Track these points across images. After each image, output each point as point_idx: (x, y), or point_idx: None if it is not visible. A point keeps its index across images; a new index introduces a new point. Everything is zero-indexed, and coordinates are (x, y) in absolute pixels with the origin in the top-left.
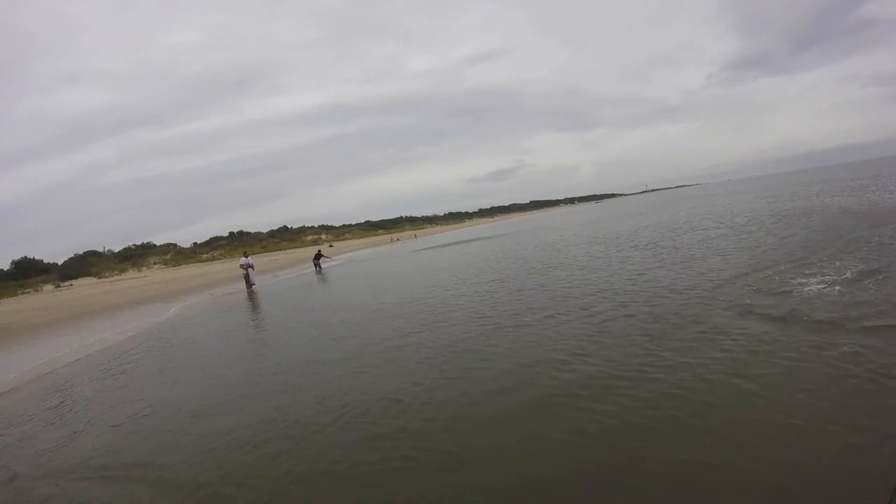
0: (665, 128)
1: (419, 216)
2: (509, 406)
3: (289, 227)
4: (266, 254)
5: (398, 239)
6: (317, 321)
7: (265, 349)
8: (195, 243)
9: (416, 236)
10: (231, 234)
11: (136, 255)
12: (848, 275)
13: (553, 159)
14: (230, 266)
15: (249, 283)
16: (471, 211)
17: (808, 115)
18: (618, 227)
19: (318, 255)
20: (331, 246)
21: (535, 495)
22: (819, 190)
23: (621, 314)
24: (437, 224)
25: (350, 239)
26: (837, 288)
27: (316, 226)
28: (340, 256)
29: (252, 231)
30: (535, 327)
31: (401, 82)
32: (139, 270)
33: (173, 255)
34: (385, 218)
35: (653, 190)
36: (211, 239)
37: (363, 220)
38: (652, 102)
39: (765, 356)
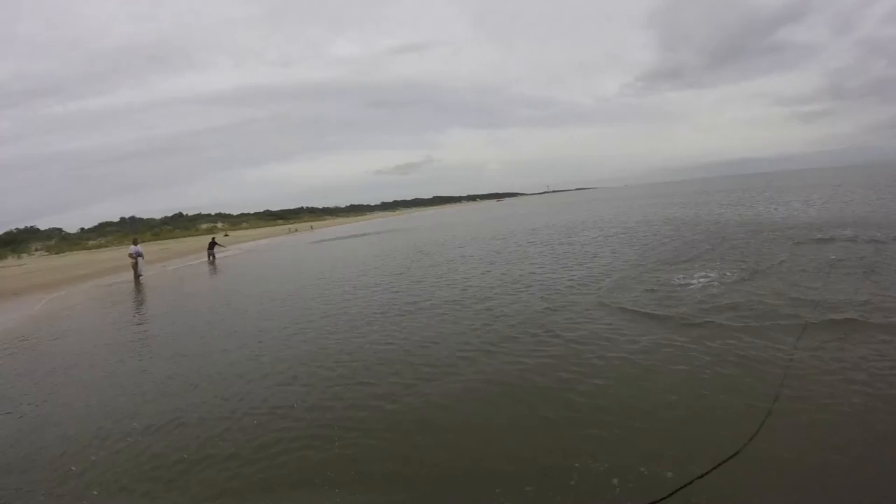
0: (575, 131)
1: (320, 207)
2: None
3: (184, 214)
4: (157, 242)
5: (296, 230)
6: (201, 314)
7: (143, 346)
8: (82, 229)
9: (311, 228)
10: (122, 219)
11: (17, 241)
12: (726, 275)
13: (461, 156)
14: (119, 254)
15: (137, 274)
16: (373, 204)
17: (713, 129)
18: (517, 224)
19: (213, 244)
20: (226, 235)
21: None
22: (711, 199)
23: (516, 305)
24: (337, 216)
25: (247, 229)
26: (715, 285)
27: (213, 214)
28: (237, 247)
29: (145, 217)
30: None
31: (322, 69)
32: (18, 258)
33: (58, 241)
34: (286, 208)
35: (554, 191)
36: (100, 224)
37: (263, 210)
38: (566, 106)
39: (648, 343)
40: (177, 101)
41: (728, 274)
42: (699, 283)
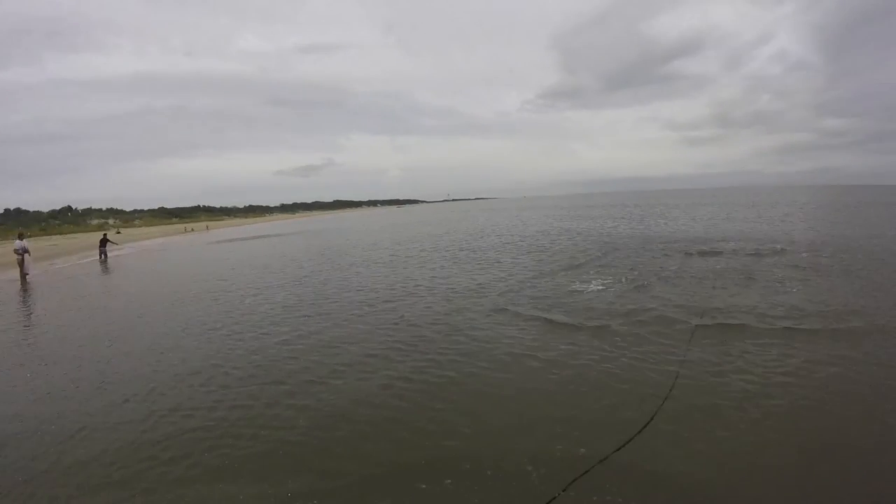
0: (476, 142)
1: (217, 207)
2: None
3: (74, 208)
4: (45, 237)
5: (192, 230)
6: (97, 316)
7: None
8: None
9: (207, 228)
10: (7, 210)
11: None
12: (620, 283)
13: (363, 160)
14: (3, 250)
15: (24, 272)
16: (272, 206)
17: (608, 147)
18: (419, 231)
19: (104, 241)
20: (118, 233)
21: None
22: (605, 213)
23: (421, 307)
24: (235, 217)
25: (140, 226)
26: (611, 291)
27: (104, 209)
28: (131, 245)
29: (31, 210)
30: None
31: (227, 62)
32: None
33: None
34: (182, 206)
35: (454, 199)
36: None
37: (157, 207)
38: (468, 117)
39: (551, 343)
40: (72, 84)
41: (623, 281)
42: (596, 288)
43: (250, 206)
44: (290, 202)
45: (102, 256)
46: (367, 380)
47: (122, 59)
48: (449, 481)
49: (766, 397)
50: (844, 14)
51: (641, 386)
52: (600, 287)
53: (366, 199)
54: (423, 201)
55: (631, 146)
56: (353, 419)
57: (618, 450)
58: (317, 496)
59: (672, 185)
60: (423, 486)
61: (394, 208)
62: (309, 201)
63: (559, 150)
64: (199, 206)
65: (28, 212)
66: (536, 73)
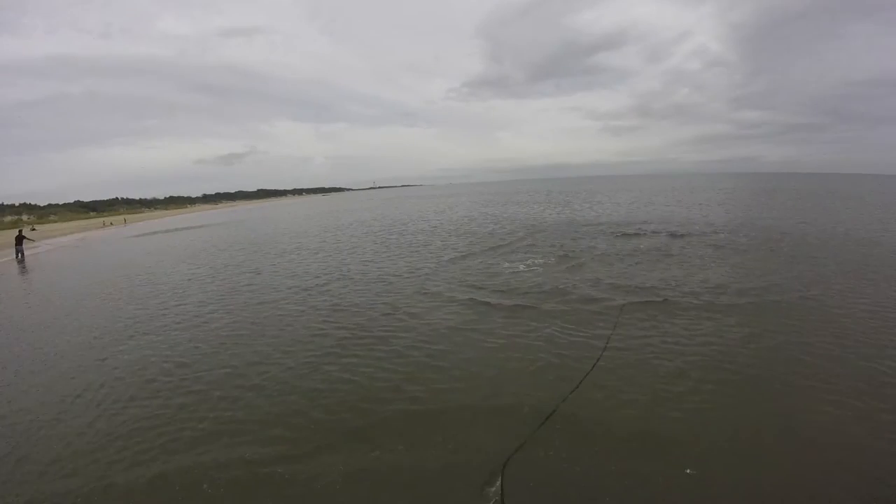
0: (401, 130)
1: (137, 199)
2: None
3: None
4: None
5: (112, 224)
6: (21, 316)
7: None
8: None
9: (125, 221)
10: None
11: None
12: (549, 262)
13: (288, 148)
14: None
15: None
16: (194, 196)
17: (532, 136)
18: (347, 218)
19: (20, 239)
20: (33, 230)
21: None
22: (531, 198)
23: (358, 290)
24: (155, 209)
25: (56, 222)
26: (540, 271)
27: (17, 204)
28: (48, 242)
29: None
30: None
31: (145, 44)
32: None
33: None
34: (98, 199)
35: (380, 187)
36: None
37: (73, 201)
38: (394, 105)
39: (485, 319)
40: None
41: (552, 261)
42: (525, 268)
43: (171, 197)
44: (213, 192)
45: (19, 255)
46: (316, 357)
47: (33, 40)
48: (401, 446)
49: (688, 355)
50: (761, 15)
51: (576, 349)
52: (530, 267)
53: (291, 187)
54: (349, 189)
55: (555, 135)
56: (305, 393)
57: (563, 401)
58: (278, 461)
59: (594, 171)
60: (377, 448)
61: (319, 196)
62: (232, 191)
63: (484, 138)
64: (117, 198)
65: None
66: (462, 61)
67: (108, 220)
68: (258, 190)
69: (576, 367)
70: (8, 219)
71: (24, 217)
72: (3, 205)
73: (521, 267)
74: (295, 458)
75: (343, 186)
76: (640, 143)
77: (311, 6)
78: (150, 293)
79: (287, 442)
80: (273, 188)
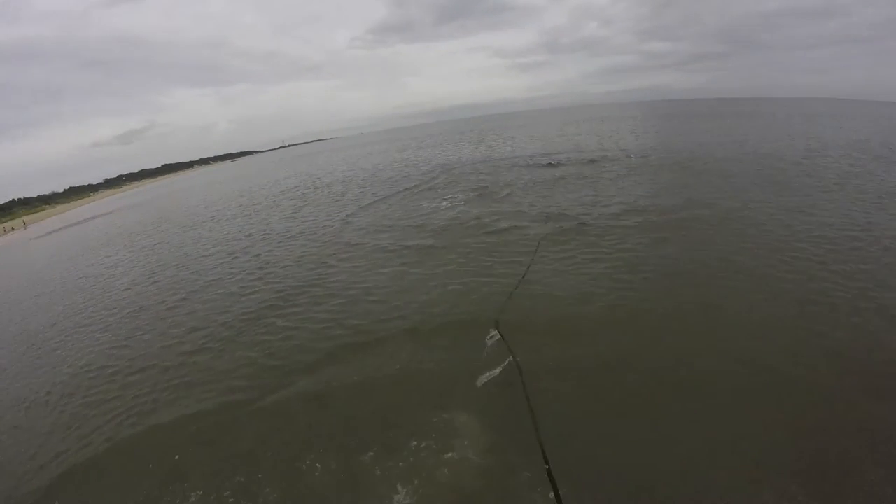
0: (307, 84)
1: (35, 196)
2: None
3: None
4: None
5: (12, 229)
6: None
7: None
8: None
9: (24, 224)
10: None
11: None
12: (470, 198)
13: (188, 118)
14: None
15: None
16: (95, 182)
17: (440, 78)
18: (260, 181)
19: None
20: None
21: None
22: (444, 140)
23: (284, 248)
24: (56, 203)
25: None
26: (459, 206)
27: None
28: None
29: None
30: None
31: (22, 26)
32: None
33: None
34: None
35: (290, 145)
36: None
37: None
38: (296, 59)
39: (421, 253)
40: None
41: (472, 196)
42: (447, 204)
43: (71, 187)
44: (115, 175)
45: None
46: (254, 313)
47: None
48: (354, 375)
49: (607, 261)
50: None
51: (505, 269)
52: (451, 203)
53: (196, 158)
54: (257, 151)
55: (464, 76)
56: (251, 345)
57: (508, 299)
58: (242, 406)
59: (505, 109)
60: (331, 378)
61: (228, 163)
62: (135, 170)
63: (393, 84)
64: (13, 199)
65: None
66: (365, 8)
67: (6, 225)
68: (163, 165)
69: (507, 282)
70: None
71: None
72: None
73: (444, 204)
74: (257, 399)
75: (252, 149)
76: (550, 78)
77: None
78: (75, 288)
79: (246, 390)
80: (179, 161)
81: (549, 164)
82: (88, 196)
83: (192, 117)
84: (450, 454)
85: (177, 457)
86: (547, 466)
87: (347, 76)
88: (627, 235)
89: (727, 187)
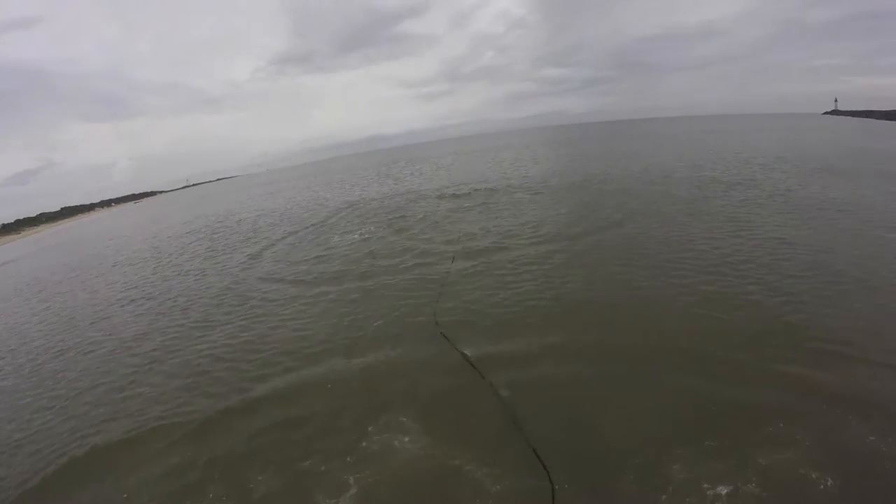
0: (208, 119)
1: None
2: None
3: None
4: None
5: None
6: None
7: None
8: None
9: None
10: None
11: None
12: (380, 231)
13: (86, 155)
14: None
15: None
16: None
17: (345, 110)
18: (166, 223)
19: None
20: None
21: None
22: (350, 177)
23: (202, 286)
24: None
25: None
26: (372, 239)
27: None
28: None
29: None
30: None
31: None
32: None
33: None
34: None
35: (195, 184)
36: None
37: None
38: (197, 91)
39: (333, 284)
40: None
41: (383, 229)
42: (359, 237)
43: None
44: (11, 219)
45: None
46: (189, 349)
47: None
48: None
49: (515, 268)
50: None
51: (427, 282)
52: (362, 235)
53: (98, 199)
54: (161, 191)
55: (369, 106)
56: (189, 385)
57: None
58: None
59: (412, 139)
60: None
61: (130, 205)
62: (33, 214)
63: (297, 117)
64: None
65: None
66: (266, 39)
67: None
68: (62, 209)
69: (428, 294)
70: None
71: None
72: None
73: (356, 237)
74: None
75: (155, 189)
76: (454, 107)
77: None
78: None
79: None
80: (79, 203)
81: (453, 194)
82: None
83: (89, 155)
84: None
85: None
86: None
87: (250, 109)
88: (534, 251)
89: (621, 204)
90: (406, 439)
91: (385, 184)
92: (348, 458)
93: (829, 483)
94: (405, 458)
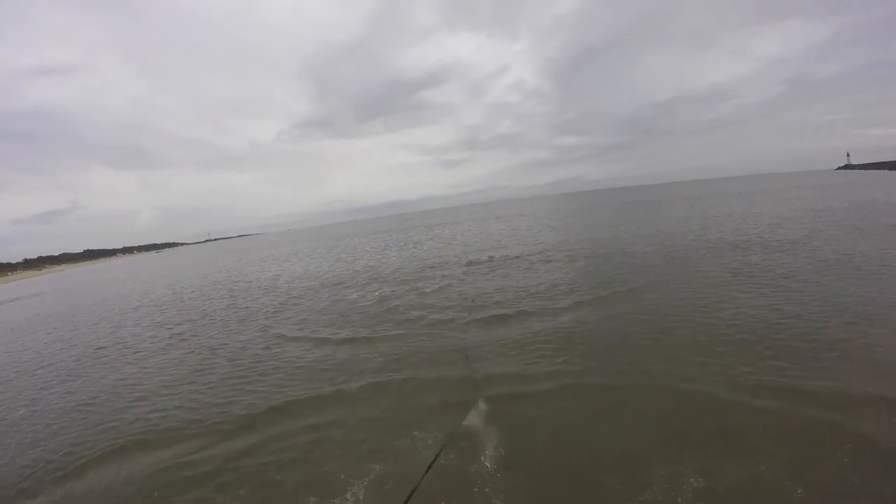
0: (232, 176)
1: None
2: None
3: None
4: None
5: None
6: None
7: None
8: None
9: None
10: None
11: None
12: (395, 290)
13: (111, 200)
14: None
15: None
16: (14, 262)
17: (365, 174)
18: (190, 273)
19: None
20: None
21: None
22: (373, 240)
23: (225, 336)
24: None
25: None
26: (390, 297)
27: None
28: None
29: None
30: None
31: None
32: None
33: None
34: None
35: (216, 239)
36: None
37: None
38: (222, 149)
39: (359, 344)
40: None
41: (396, 289)
42: (376, 296)
43: None
44: (35, 255)
45: None
46: (217, 407)
47: None
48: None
49: (535, 334)
50: (571, 49)
51: (450, 349)
52: (378, 295)
53: (120, 245)
54: (182, 243)
55: (389, 172)
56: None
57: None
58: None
59: (431, 205)
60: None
61: (152, 254)
62: (56, 253)
63: (319, 179)
64: None
65: None
66: (290, 102)
67: None
68: (85, 251)
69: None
70: None
71: None
72: None
73: (375, 294)
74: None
75: (176, 241)
76: (472, 174)
77: (127, 43)
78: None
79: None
80: (101, 248)
81: (475, 261)
82: (7, 275)
83: (114, 200)
84: None
85: None
86: None
87: (273, 170)
88: (552, 317)
89: (634, 269)
90: None
91: (405, 250)
92: None
93: None
94: None
